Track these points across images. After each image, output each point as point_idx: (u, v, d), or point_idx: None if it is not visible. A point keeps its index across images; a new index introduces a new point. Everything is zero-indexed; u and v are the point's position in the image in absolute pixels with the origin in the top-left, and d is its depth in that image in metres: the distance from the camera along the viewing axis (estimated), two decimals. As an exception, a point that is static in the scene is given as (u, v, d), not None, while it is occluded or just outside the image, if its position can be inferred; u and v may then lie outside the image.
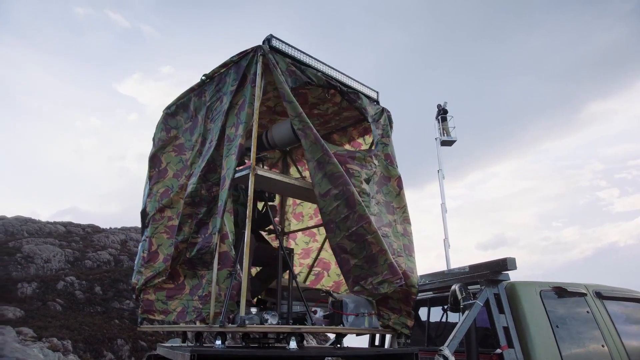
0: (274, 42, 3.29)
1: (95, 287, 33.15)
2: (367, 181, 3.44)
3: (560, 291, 3.71)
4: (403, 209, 3.70)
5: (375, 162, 3.62)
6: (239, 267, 3.00)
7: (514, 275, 3.64)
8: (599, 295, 3.87)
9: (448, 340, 3.19)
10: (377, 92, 3.99)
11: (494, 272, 3.57)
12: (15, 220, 41.49)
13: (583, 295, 3.79)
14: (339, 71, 3.70)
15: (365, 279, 3.13)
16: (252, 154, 3.10)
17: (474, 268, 3.75)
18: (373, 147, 3.90)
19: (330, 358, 2.84)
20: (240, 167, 3.13)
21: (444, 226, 13.97)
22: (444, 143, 16.24)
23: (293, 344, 2.83)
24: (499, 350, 3.37)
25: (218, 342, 2.87)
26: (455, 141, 16.45)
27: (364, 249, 3.11)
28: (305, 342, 3.18)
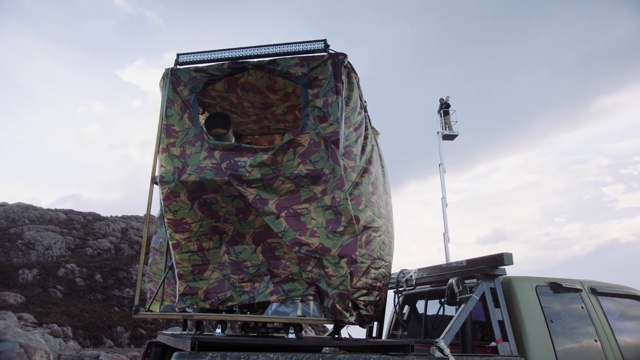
0: (181, 58, 3.67)
1: (96, 274, 33.40)
2: (265, 164, 3.24)
3: (556, 287, 3.76)
4: (334, 173, 3.19)
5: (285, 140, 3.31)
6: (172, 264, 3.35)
7: (512, 270, 3.67)
8: (594, 291, 3.92)
9: (444, 333, 3.25)
10: (324, 40, 3.52)
11: (490, 266, 3.61)
12: (16, 207, 41.68)
13: (578, 291, 3.84)
14: (252, 47, 3.61)
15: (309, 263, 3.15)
16: (152, 168, 3.43)
17: (471, 262, 3.80)
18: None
19: (327, 348, 2.89)
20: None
21: (444, 220, 14.00)
22: (446, 137, 16.09)
23: (292, 334, 2.89)
24: (493, 344, 3.43)
25: (218, 330, 2.94)
26: (457, 135, 16.32)
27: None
28: (303, 332, 3.23)
